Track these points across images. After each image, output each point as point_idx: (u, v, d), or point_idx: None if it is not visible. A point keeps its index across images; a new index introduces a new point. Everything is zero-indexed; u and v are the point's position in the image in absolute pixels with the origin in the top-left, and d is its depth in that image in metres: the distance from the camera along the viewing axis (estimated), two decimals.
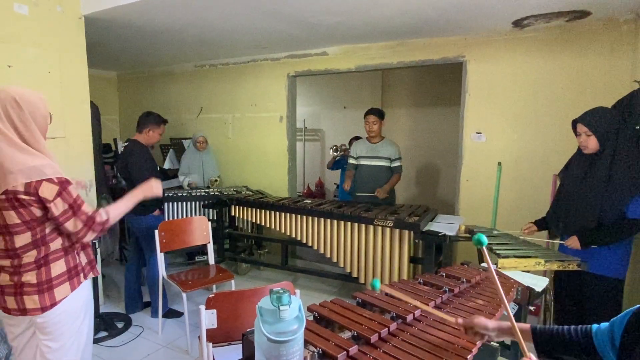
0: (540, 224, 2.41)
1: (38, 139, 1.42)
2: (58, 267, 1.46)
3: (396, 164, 3.58)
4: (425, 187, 5.74)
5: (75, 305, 1.52)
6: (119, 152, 4.95)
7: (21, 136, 1.39)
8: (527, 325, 1.09)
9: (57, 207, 1.40)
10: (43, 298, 1.43)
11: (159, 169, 4.50)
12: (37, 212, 1.39)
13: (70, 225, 1.44)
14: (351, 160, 3.73)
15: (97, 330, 2.88)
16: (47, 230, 1.44)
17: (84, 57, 3.08)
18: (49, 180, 1.38)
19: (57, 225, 1.45)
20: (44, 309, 1.43)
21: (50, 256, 1.45)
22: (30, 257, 1.42)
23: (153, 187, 1.80)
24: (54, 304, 1.44)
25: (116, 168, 3.16)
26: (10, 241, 1.39)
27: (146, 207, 3.07)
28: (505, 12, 2.82)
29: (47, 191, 1.37)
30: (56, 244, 1.47)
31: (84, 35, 3.05)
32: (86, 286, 1.58)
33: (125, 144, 3.17)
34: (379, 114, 3.62)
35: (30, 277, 1.42)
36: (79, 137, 3.07)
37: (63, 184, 1.41)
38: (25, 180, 1.34)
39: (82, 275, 1.54)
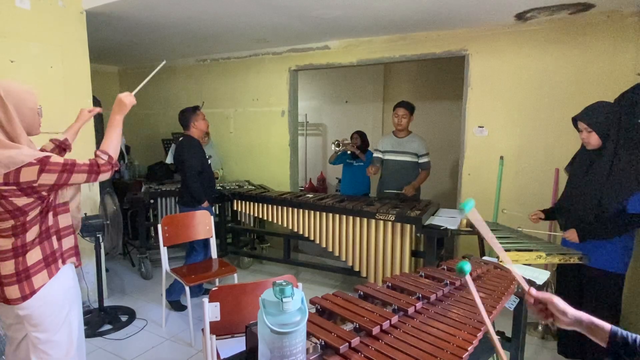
0: (548, 214, 2.41)
1: (18, 132, 1.44)
2: (34, 255, 1.48)
3: (424, 159, 3.45)
4: (427, 181, 5.72)
5: (57, 294, 1.53)
6: (122, 147, 4.97)
7: (4, 129, 1.42)
8: (606, 325, 1.01)
9: (46, 180, 1.41)
10: (22, 287, 1.45)
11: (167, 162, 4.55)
12: (20, 201, 1.41)
13: (78, 179, 1.48)
14: (377, 154, 3.61)
15: (101, 323, 2.91)
16: (28, 218, 1.45)
17: (86, 51, 3.08)
18: (29, 164, 1.38)
19: (62, 189, 1.50)
20: (24, 298, 1.46)
21: (27, 246, 1.47)
22: (7, 242, 1.44)
23: (123, 99, 1.71)
24: (33, 292, 1.47)
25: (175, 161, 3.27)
26: None
27: (195, 198, 3.13)
28: (508, 5, 2.80)
29: (29, 174, 1.38)
30: (32, 233, 1.48)
31: (86, 30, 3.05)
32: (68, 275, 1.59)
33: (180, 139, 3.30)
34: (410, 108, 3.45)
35: (8, 268, 1.45)
36: (81, 132, 3.07)
37: (42, 161, 1.41)
38: (4, 170, 1.36)
39: (59, 261, 1.56)
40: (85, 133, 3.11)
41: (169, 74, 5.35)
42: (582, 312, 1.06)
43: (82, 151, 3.05)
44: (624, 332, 1.00)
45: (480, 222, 1.04)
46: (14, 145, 1.42)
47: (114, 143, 1.63)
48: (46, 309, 1.50)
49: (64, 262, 1.58)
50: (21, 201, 1.41)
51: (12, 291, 1.45)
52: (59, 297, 1.54)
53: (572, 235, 2.12)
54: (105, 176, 1.56)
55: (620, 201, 1.99)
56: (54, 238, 1.54)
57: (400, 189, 3.42)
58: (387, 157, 3.54)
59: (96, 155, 1.56)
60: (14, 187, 1.37)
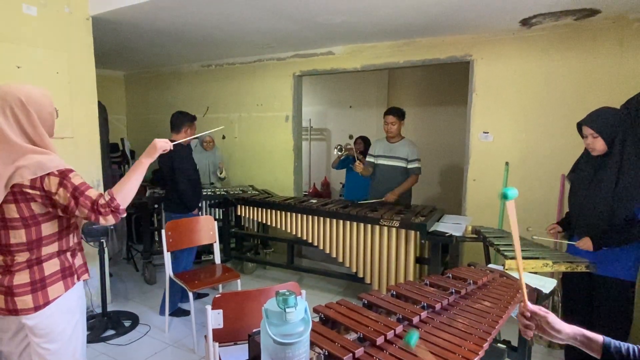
0: (564, 225, 2.37)
1: (43, 137, 1.45)
2: (52, 266, 1.47)
3: (413, 165, 3.44)
4: (432, 187, 5.71)
5: (68, 305, 1.52)
6: (127, 152, 4.99)
7: (28, 136, 1.42)
8: (599, 337, 1.02)
9: (61, 197, 1.40)
10: (37, 297, 1.43)
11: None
12: (38, 209, 1.40)
13: (80, 214, 1.43)
14: (369, 159, 3.63)
15: (104, 328, 2.91)
16: (44, 234, 1.44)
17: (92, 57, 3.10)
18: (50, 174, 1.40)
19: (71, 216, 1.45)
20: (36, 308, 1.42)
21: (42, 257, 1.45)
22: (22, 257, 1.43)
23: (157, 145, 1.68)
24: (47, 303, 1.44)
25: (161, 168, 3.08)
26: (5, 236, 1.41)
27: (186, 205, 3.11)
28: (513, 11, 2.79)
29: (51, 184, 1.39)
30: (50, 248, 1.46)
31: (92, 35, 3.07)
32: (79, 287, 1.58)
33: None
34: (399, 114, 3.48)
35: (22, 278, 1.42)
36: (86, 137, 3.10)
37: (63, 173, 1.41)
38: (31, 176, 1.37)
39: (75, 276, 1.55)
40: (91, 133, 3.13)
41: (174, 79, 5.38)
42: (575, 327, 1.06)
43: (87, 149, 3.09)
44: (617, 343, 1.00)
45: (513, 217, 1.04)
46: (43, 152, 1.43)
47: (126, 187, 1.49)
48: (56, 319, 1.48)
49: (78, 278, 1.57)
50: (38, 208, 1.40)
51: (24, 301, 1.41)
52: (71, 309, 1.53)
53: (586, 244, 2.08)
54: (109, 219, 1.43)
55: (630, 208, 1.96)
56: (68, 254, 1.54)
57: (382, 197, 3.42)
58: (380, 161, 3.56)
59: (100, 194, 1.45)
60: (38, 192, 1.39)
